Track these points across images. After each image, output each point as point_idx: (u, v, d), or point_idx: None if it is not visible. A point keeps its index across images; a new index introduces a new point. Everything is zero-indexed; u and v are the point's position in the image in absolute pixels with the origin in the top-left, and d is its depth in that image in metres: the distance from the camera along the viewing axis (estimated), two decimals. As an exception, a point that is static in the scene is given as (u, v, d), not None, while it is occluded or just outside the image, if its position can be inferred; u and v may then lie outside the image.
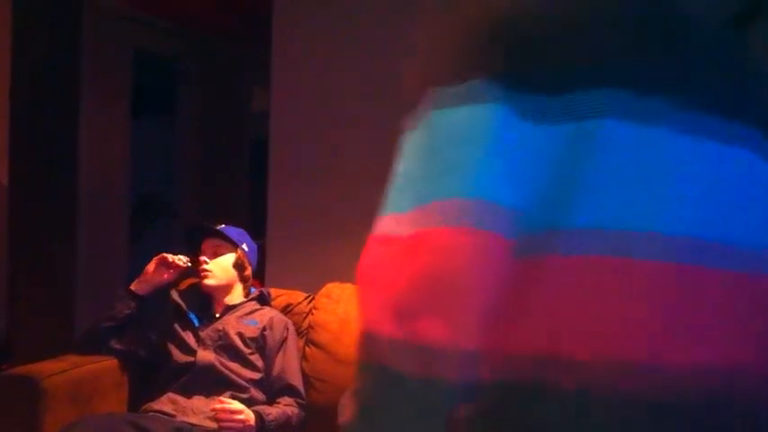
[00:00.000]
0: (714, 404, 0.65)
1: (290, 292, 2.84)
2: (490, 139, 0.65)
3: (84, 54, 4.18)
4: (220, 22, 5.10)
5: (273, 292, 2.79)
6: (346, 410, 0.71)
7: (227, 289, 2.58)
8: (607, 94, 0.64)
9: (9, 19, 3.88)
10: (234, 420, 2.27)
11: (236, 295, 2.61)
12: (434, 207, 0.65)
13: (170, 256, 2.49)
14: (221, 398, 2.34)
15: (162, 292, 2.57)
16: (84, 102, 4.28)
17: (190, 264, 2.52)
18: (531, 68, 0.66)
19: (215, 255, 2.56)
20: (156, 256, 2.53)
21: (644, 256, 0.64)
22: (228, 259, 2.57)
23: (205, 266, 2.53)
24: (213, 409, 2.29)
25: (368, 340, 0.67)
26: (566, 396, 0.64)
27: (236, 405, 2.31)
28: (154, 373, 2.53)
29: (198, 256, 2.58)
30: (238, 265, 2.60)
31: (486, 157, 0.64)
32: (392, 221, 0.68)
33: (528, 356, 0.66)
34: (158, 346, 2.52)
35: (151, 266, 2.50)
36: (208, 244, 2.57)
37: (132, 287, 2.51)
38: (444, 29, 0.72)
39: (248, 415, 2.30)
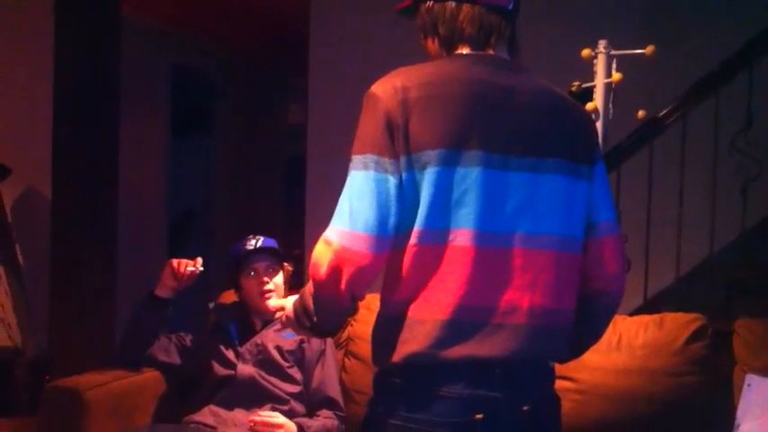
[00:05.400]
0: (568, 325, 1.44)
1: (328, 304, 2.83)
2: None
3: (123, 71, 4.23)
4: (257, 39, 5.15)
5: (311, 304, 2.77)
6: None
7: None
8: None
9: (50, 37, 3.95)
10: None
11: (278, 308, 2.61)
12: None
13: (177, 264, 2.48)
14: (260, 411, 2.33)
15: (191, 295, 2.58)
16: (124, 119, 4.33)
17: (202, 268, 2.51)
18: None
19: (272, 274, 2.55)
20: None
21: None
22: (281, 277, 2.58)
23: (269, 287, 2.52)
24: (251, 421, 2.28)
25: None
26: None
27: (279, 418, 2.30)
28: (194, 386, 2.53)
29: (239, 278, 2.57)
30: (287, 281, 2.61)
31: None
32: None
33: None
34: (198, 358, 2.53)
35: (164, 273, 2.51)
36: (262, 264, 2.55)
37: (155, 292, 2.51)
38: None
39: (289, 427, 2.30)
